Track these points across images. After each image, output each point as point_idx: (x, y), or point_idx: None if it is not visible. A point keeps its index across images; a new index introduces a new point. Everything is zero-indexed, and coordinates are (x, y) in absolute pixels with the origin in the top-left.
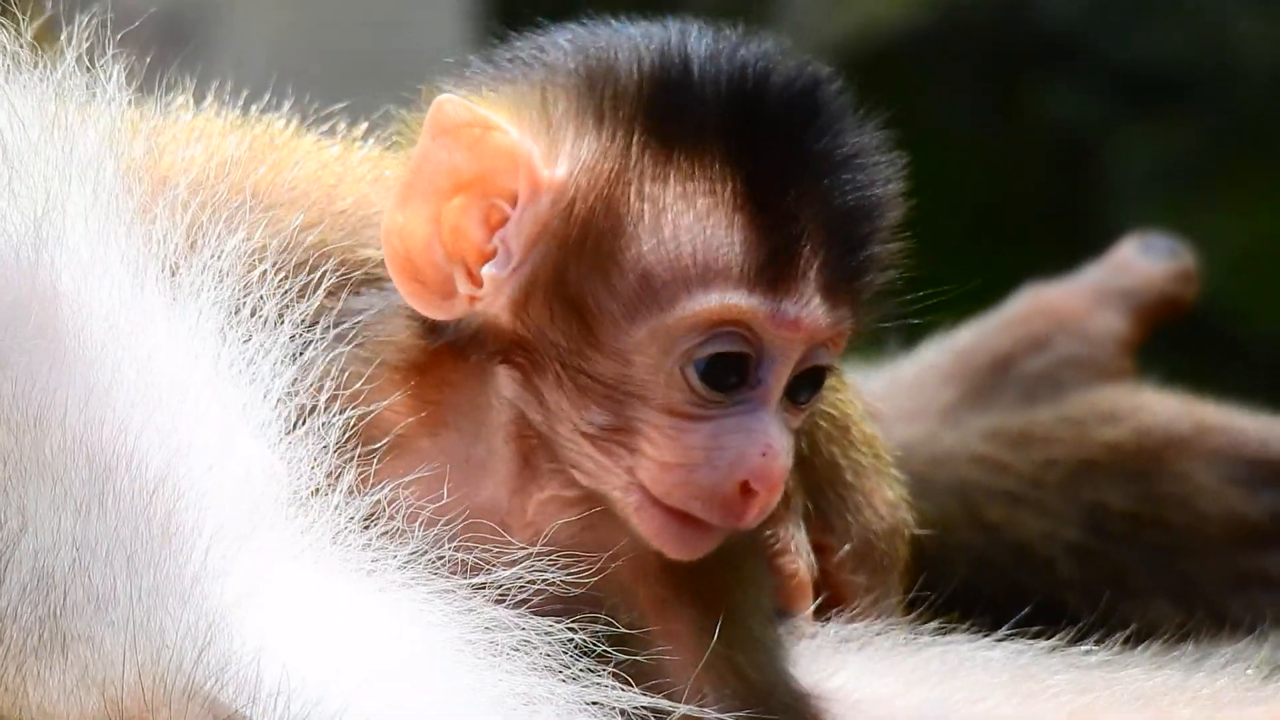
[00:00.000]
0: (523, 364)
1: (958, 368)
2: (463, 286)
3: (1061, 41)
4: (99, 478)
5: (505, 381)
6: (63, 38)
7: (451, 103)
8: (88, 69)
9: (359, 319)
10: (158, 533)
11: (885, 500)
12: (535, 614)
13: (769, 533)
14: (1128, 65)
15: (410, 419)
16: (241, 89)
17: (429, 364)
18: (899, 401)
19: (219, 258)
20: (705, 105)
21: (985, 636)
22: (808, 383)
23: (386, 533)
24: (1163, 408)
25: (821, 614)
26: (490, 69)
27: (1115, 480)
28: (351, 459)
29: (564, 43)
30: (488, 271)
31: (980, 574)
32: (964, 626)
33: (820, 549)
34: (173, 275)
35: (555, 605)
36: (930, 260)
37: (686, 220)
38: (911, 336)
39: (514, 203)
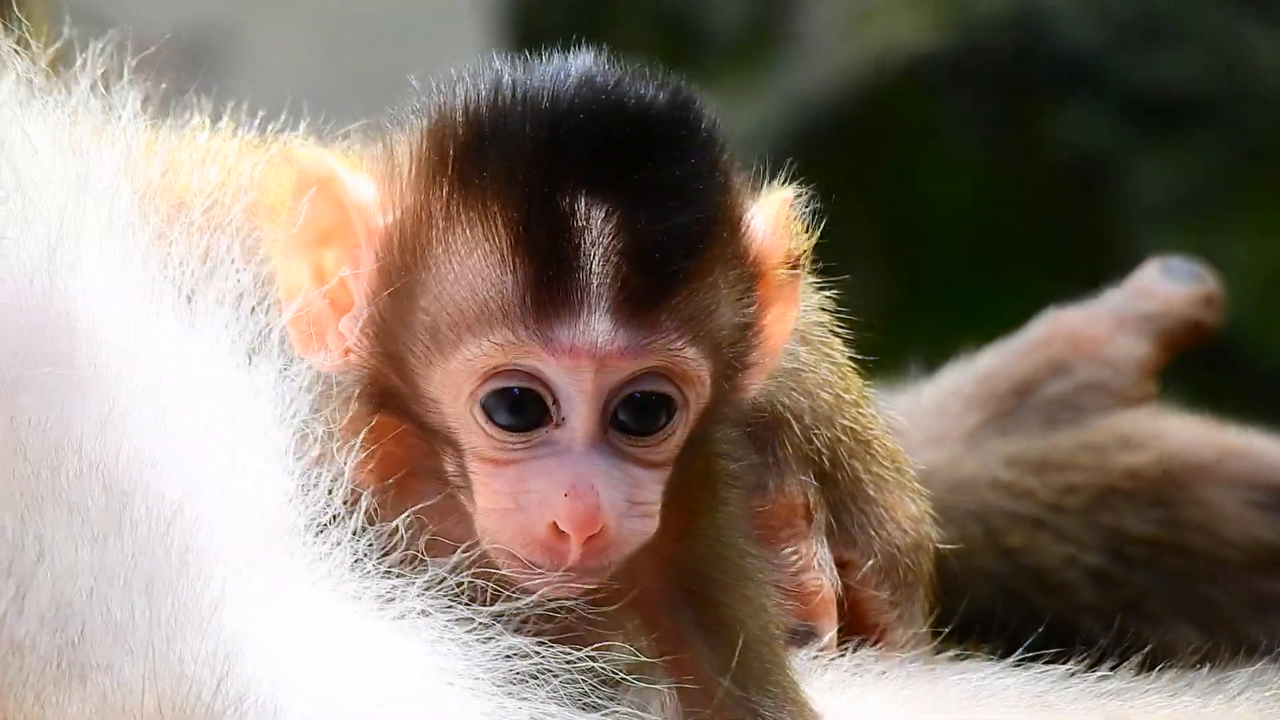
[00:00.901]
0: (396, 412)
1: (979, 392)
2: (333, 339)
3: (1080, 66)
4: (116, 506)
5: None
6: (78, 63)
7: (306, 155)
8: (103, 94)
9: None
10: (175, 561)
11: (908, 515)
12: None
13: (789, 550)
14: (1147, 89)
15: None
16: (258, 111)
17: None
18: (920, 426)
19: (235, 283)
20: (493, 148)
21: (1003, 663)
22: (647, 414)
23: (404, 560)
24: (1184, 433)
25: (845, 631)
26: (392, 117)
27: (1136, 505)
28: (368, 486)
29: (436, 87)
30: (344, 323)
31: (1001, 599)
32: (983, 652)
33: (843, 565)
34: (189, 301)
35: (567, 636)
36: (949, 283)
37: (466, 263)
38: (933, 361)
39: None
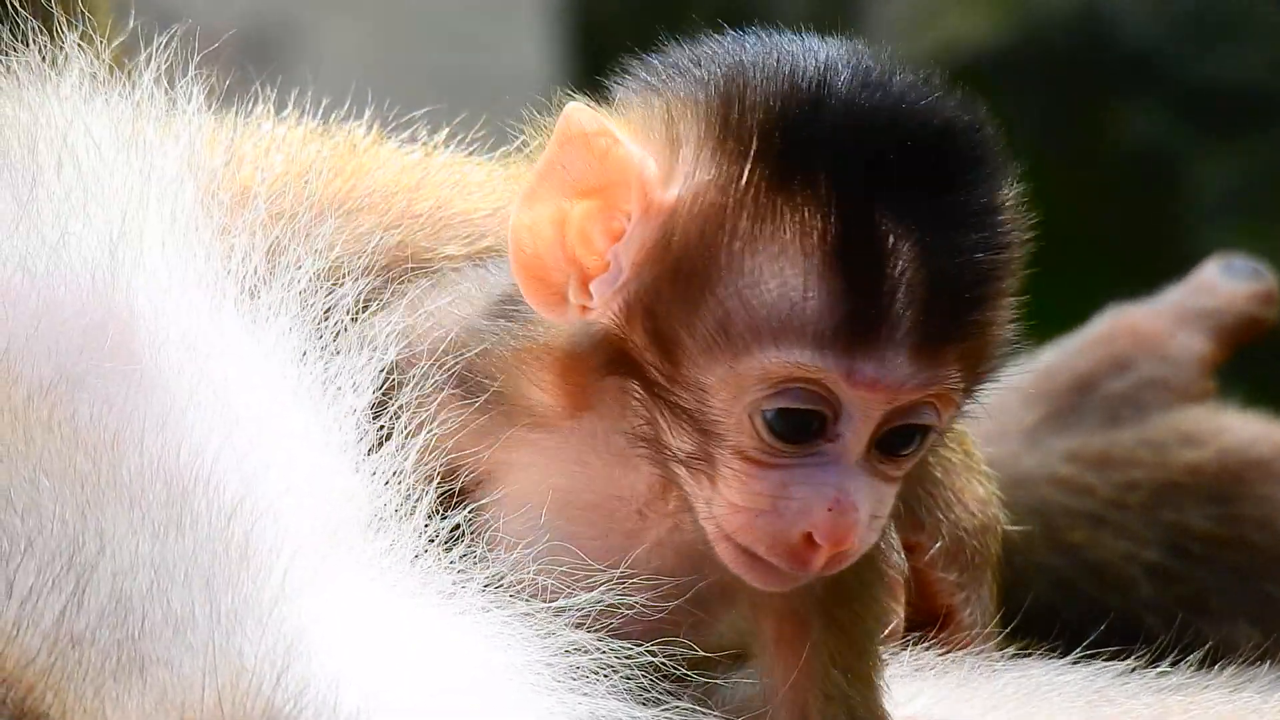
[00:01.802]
0: (632, 376)
1: (1040, 389)
2: (573, 296)
3: (1143, 63)
4: (176, 500)
5: (620, 384)
6: (142, 58)
7: (579, 110)
8: (167, 89)
9: (496, 304)
10: (236, 555)
11: (976, 497)
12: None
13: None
14: (1209, 86)
15: (556, 399)
16: (321, 100)
17: (571, 350)
18: (981, 422)
19: (299, 277)
20: (818, 147)
21: (1063, 659)
22: (906, 438)
23: (467, 555)
24: (1244, 429)
25: (913, 613)
26: (631, 79)
27: (1196, 501)
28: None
29: (705, 58)
30: (596, 286)
31: (1061, 595)
32: (1043, 648)
33: (911, 548)
34: (252, 296)
35: (681, 613)
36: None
37: (773, 267)
38: None
39: (630, 219)
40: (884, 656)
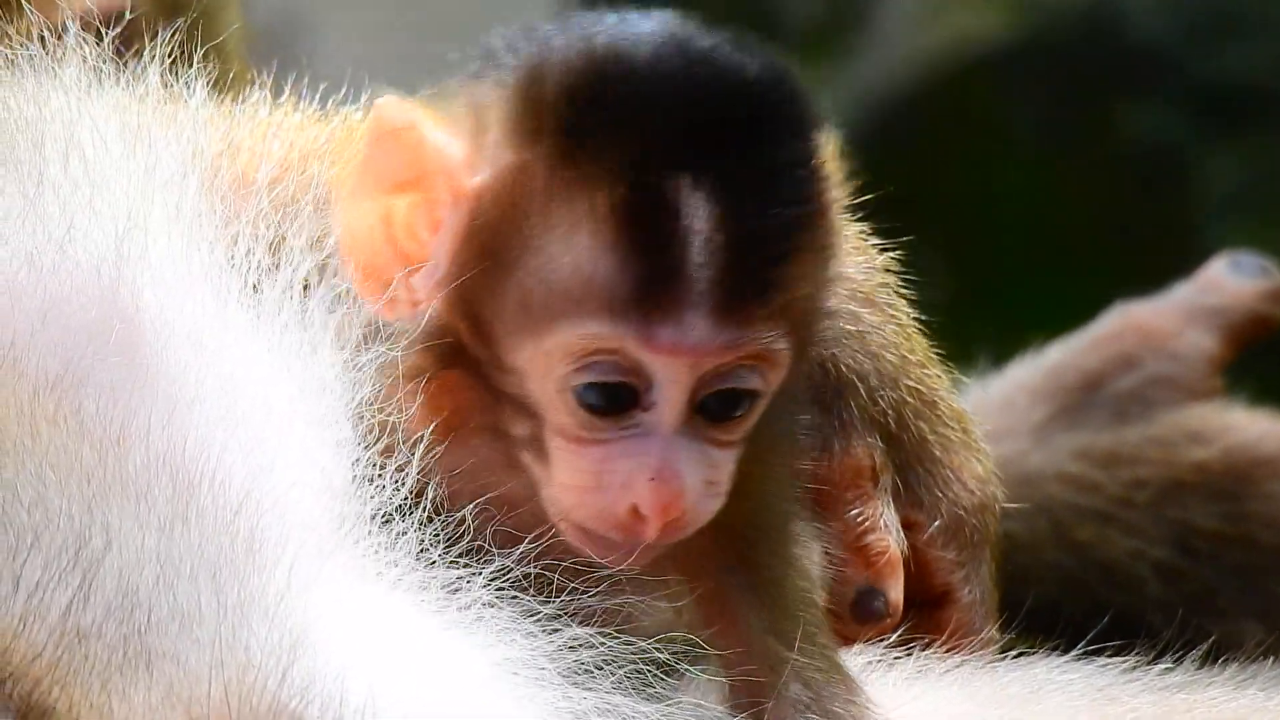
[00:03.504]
0: (465, 369)
1: (1047, 386)
2: (402, 290)
3: (1150, 59)
4: (182, 495)
5: (469, 377)
6: (146, 52)
7: (388, 103)
8: (171, 83)
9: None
10: (241, 550)
11: (974, 475)
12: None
13: (855, 512)
14: (1218, 82)
15: (464, 411)
16: (320, 86)
17: (441, 367)
18: (988, 420)
19: (301, 269)
20: (601, 118)
21: (1066, 657)
22: (731, 402)
23: (470, 551)
24: (1252, 427)
25: (911, 592)
26: (467, 64)
27: (1203, 500)
28: (431, 466)
29: (518, 41)
30: (418, 278)
31: (1068, 593)
32: (1048, 646)
33: (909, 526)
34: (256, 290)
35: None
36: (1017, 277)
37: (564, 242)
38: (1001, 355)
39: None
40: (823, 621)
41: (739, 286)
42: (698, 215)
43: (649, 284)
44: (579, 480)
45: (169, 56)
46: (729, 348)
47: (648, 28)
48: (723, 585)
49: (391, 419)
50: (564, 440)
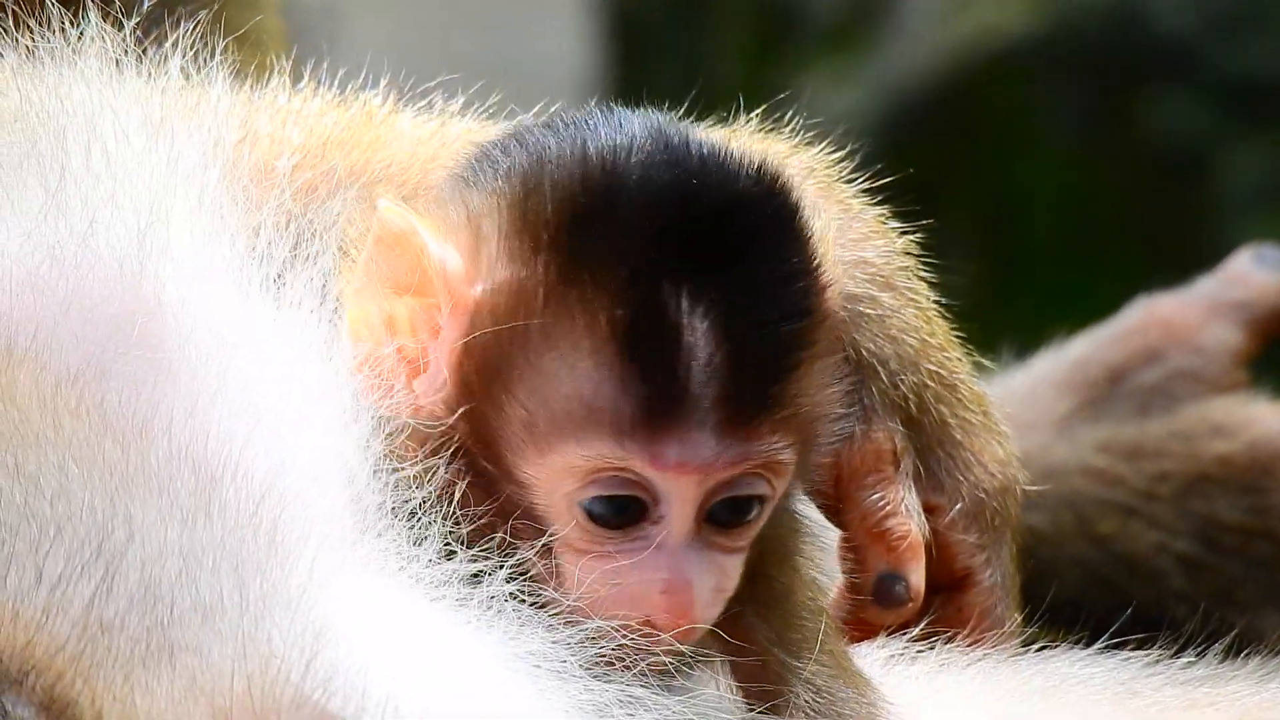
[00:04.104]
0: (467, 472)
1: (1071, 379)
2: (402, 392)
3: (1175, 53)
4: (204, 488)
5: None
6: (169, 42)
7: (389, 209)
8: (193, 75)
9: None
10: (263, 543)
11: (995, 458)
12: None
13: (877, 496)
14: (1241, 77)
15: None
16: (338, 73)
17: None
18: (1012, 412)
19: (322, 261)
20: (602, 235)
21: (1088, 650)
22: (740, 510)
23: (489, 547)
24: (1275, 420)
25: (932, 575)
26: (466, 171)
27: (1227, 493)
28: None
29: (513, 147)
30: (419, 384)
31: (1091, 586)
32: (1071, 639)
33: (931, 509)
34: (278, 281)
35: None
36: (1042, 270)
37: (566, 361)
38: (1024, 348)
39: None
40: (832, 627)
41: (744, 402)
42: (700, 334)
43: (654, 404)
44: (588, 589)
45: (191, 46)
46: (735, 462)
47: (640, 136)
48: (734, 595)
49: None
50: (571, 552)
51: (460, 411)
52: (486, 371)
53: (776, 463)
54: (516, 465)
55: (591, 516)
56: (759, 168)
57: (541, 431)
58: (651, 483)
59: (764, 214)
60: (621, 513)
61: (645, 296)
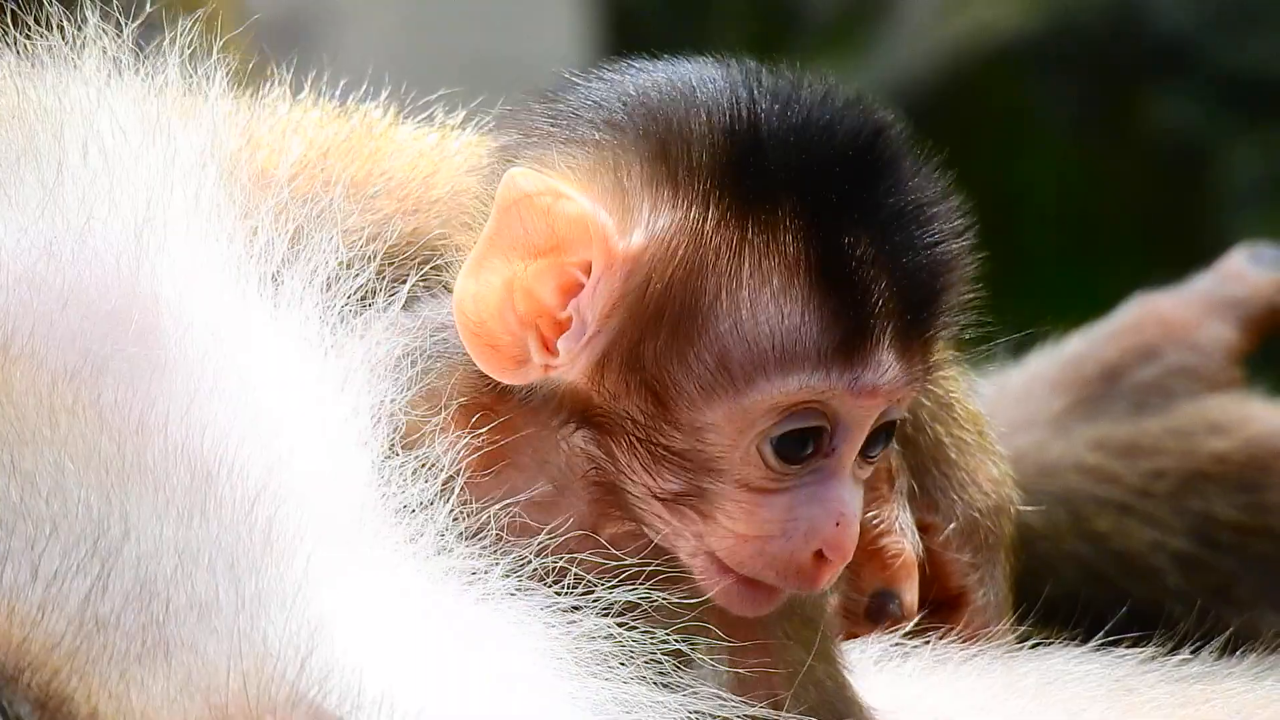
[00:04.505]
0: (597, 425)
1: (1067, 377)
2: (537, 356)
3: (1174, 50)
4: (200, 485)
5: (575, 437)
6: (166, 41)
7: (523, 174)
8: (191, 73)
9: (434, 340)
10: (259, 540)
11: (990, 477)
12: (630, 615)
13: (871, 514)
14: (1240, 74)
15: (473, 454)
16: (338, 81)
17: (492, 406)
18: (1007, 411)
19: (320, 262)
20: (774, 174)
21: (1084, 647)
22: (879, 437)
23: (488, 544)
24: (1271, 418)
25: (926, 593)
26: (557, 127)
27: (1223, 490)
28: (451, 471)
29: (633, 99)
30: (563, 343)
31: (1087, 583)
32: (1066, 636)
33: (925, 528)
34: (274, 281)
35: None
36: (1038, 268)
37: (762, 299)
38: (1020, 346)
39: (588, 272)
40: (834, 631)
41: (924, 322)
42: (881, 258)
43: (851, 331)
44: (763, 530)
45: (188, 48)
46: (910, 382)
47: (740, 79)
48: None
49: (413, 413)
50: (747, 492)
51: (607, 366)
52: (657, 321)
53: (921, 383)
54: (697, 412)
55: (778, 454)
56: (859, 100)
57: (738, 372)
58: (837, 412)
59: (897, 141)
60: (806, 445)
61: (832, 227)
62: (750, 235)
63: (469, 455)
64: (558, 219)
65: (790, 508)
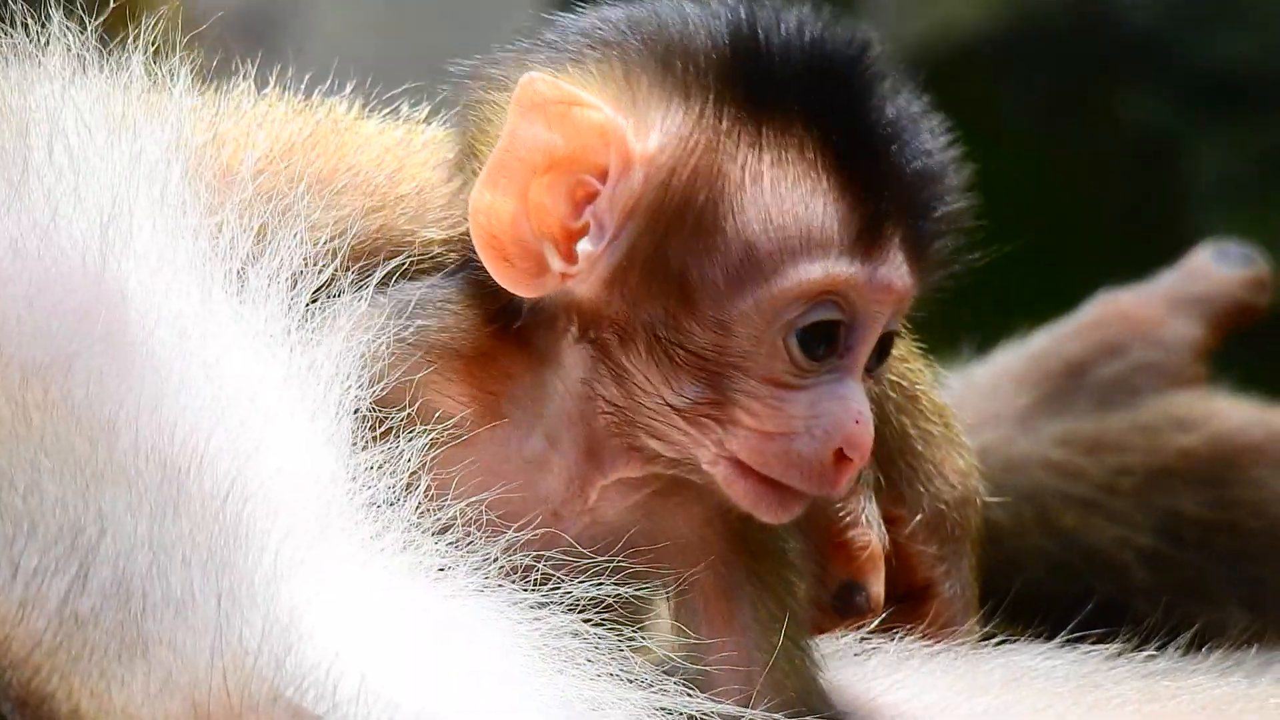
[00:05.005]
0: (608, 341)
1: (1032, 373)
2: (556, 263)
3: (1140, 46)
4: (171, 481)
5: (577, 362)
6: (131, 38)
7: (540, 80)
8: (155, 70)
9: (414, 308)
10: (230, 536)
11: (956, 469)
12: (598, 610)
13: (838, 506)
14: (1206, 70)
15: (467, 411)
16: (305, 77)
17: (488, 354)
18: (973, 406)
19: (285, 258)
20: (783, 74)
21: (1050, 644)
22: (880, 350)
23: (457, 538)
24: (1236, 414)
25: (893, 586)
26: (563, 46)
27: (1189, 486)
28: (419, 458)
29: (633, 18)
30: (582, 248)
31: (1053, 579)
32: (1032, 632)
33: (891, 520)
34: (240, 277)
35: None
36: (1004, 264)
37: (784, 189)
38: (986, 342)
39: (603, 178)
40: (805, 619)
41: (928, 225)
42: (893, 158)
43: (871, 224)
44: (789, 426)
45: (152, 45)
46: (917, 286)
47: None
48: (723, 572)
49: (379, 406)
50: (773, 387)
51: (628, 270)
52: (680, 219)
53: (932, 281)
54: (725, 304)
55: (802, 346)
56: (834, 18)
57: (766, 261)
58: (855, 306)
59: (879, 55)
60: (827, 339)
61: (843, 123)
62: (765, 130)
63: (456, 417)
64: (576, 124)
65: (812, 404)
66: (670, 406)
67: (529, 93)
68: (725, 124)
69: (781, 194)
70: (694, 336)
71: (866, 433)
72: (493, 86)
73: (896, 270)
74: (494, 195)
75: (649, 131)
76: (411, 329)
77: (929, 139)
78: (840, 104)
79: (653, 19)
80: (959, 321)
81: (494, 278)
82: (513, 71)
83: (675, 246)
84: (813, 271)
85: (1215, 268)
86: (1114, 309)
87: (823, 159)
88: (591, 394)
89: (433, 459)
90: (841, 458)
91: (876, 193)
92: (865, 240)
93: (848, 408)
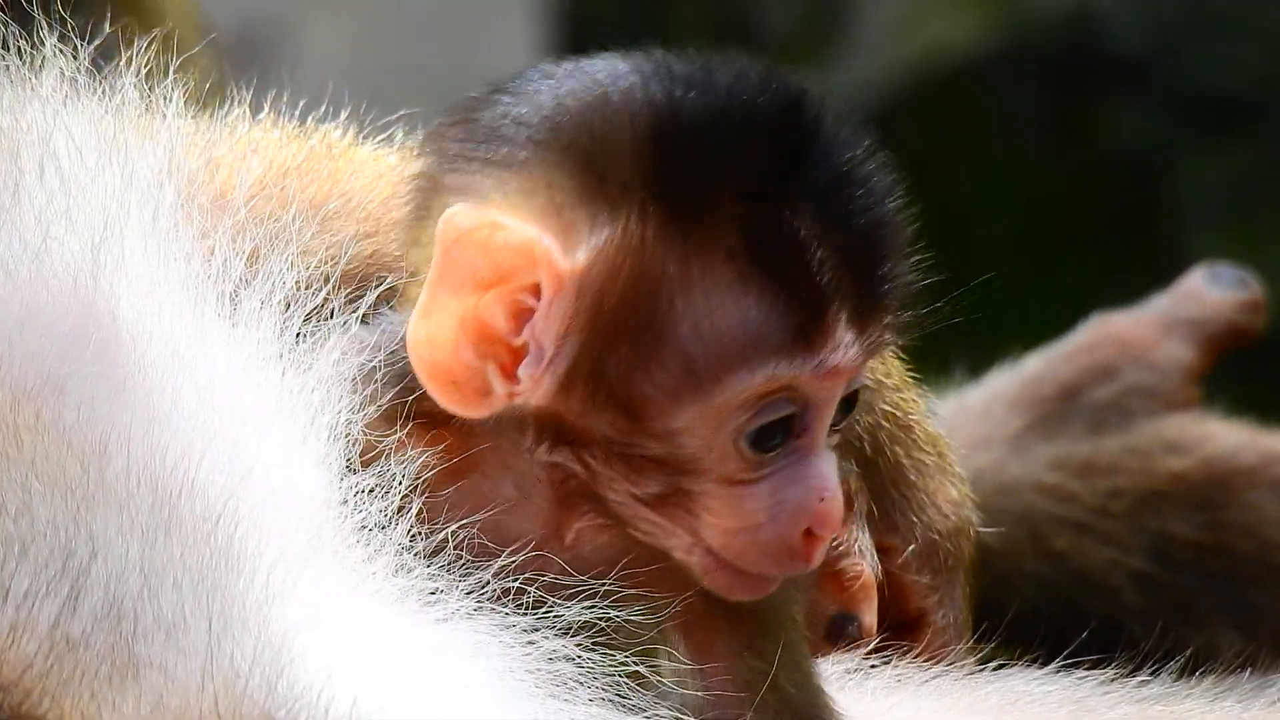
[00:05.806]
0: (571, 442)
1: (1025, 396)
2: (499, 386)
3: (1130, 66)
4: (163, 504)
5: (544, 450)
6: (123, 59)
7: (459, 214)
8: (149, 93)
9: (401, 340)
10: (221, 560)
11: (949, 499)
12: (580, 640)
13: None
14: (1197, 90)
15: (442, 450)
16: (300, 100)
17: (459, 422)
18: (966, 429)
19: (278, 282)
20: (707, 167)
21: (1044, 668)
22: (850, 406)
23: (448, 564)
24: (1229, 437)
25: (885, 616)
26: (476, 151)
27: (1181, 509)
28: (410, 483)
29: (554, 119)
30: (524, 370)
31: (1046, 602)
32: (1026, 657)
33: (884, 550)
34: (233, 300)
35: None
36: (996, 286)
37: (715, 297)
38: (978, 365)
39: (538, 295)
40: (803, 636)
41: (873, 289)
42: (827, 233)
43: (810, 314)
44: (751, 519)
45: (145, 68)
46: (869, 354)
47: (653, 71)
48: (704, 601)
49: (370, 432)
50: (728, 486)
51: (572, 384)
52: (615, 335)
53: (881, 349)
54: (668, 418)
55: (753, 446)
56: (778, 71)
57: (704, 374)
58: (806, 395)
59: (822, 107)
60: (780, 432)
61: (769, 211)
62: (691, 235)
63: (431, 469)
64: (500, 250)
65: (773, 493)
66: (638, 500)
67: (450, 228)
68: (651, 233)
69: (713, 302)
70: (646, 445)
71: (834, 507)
72: (422, 189)
73: (846, 350)
74: (429, 326)
75: (576, 247)
76: (400, 362)
77: (867, 193)
78: (764, 192)
79: (571, 111)
80: (951, 344)
81: (442, 404)
82: (421, 189)
83: (614, 362)
84: (754, 379)
85: (1208, 290)
86: (1107, 332)
87: (751, 258)
88: (561, 472)
89: (423, 484)
90: (811, 534)
91: (812, 281)
92: (806, 334)
93: (809, 489)
